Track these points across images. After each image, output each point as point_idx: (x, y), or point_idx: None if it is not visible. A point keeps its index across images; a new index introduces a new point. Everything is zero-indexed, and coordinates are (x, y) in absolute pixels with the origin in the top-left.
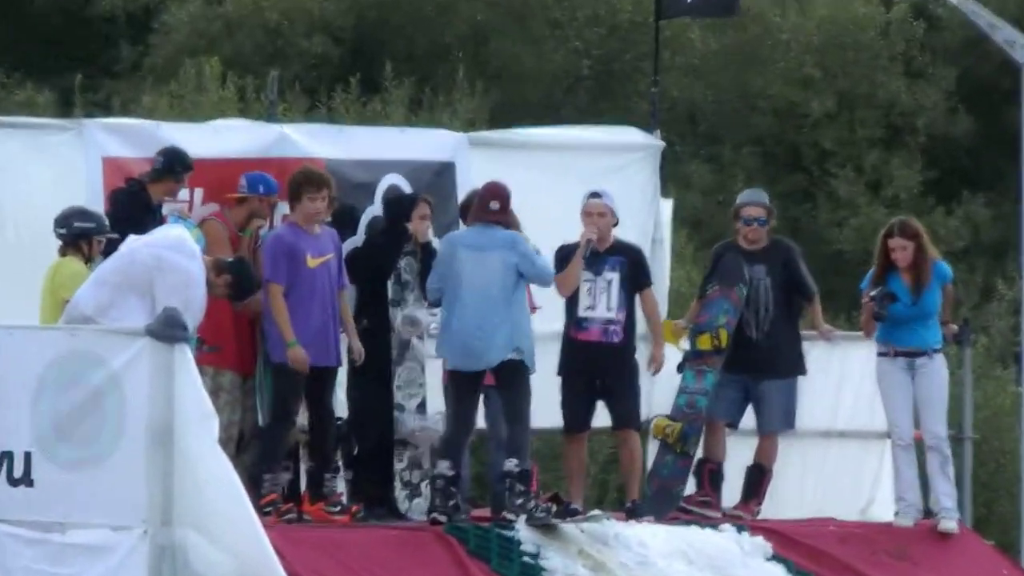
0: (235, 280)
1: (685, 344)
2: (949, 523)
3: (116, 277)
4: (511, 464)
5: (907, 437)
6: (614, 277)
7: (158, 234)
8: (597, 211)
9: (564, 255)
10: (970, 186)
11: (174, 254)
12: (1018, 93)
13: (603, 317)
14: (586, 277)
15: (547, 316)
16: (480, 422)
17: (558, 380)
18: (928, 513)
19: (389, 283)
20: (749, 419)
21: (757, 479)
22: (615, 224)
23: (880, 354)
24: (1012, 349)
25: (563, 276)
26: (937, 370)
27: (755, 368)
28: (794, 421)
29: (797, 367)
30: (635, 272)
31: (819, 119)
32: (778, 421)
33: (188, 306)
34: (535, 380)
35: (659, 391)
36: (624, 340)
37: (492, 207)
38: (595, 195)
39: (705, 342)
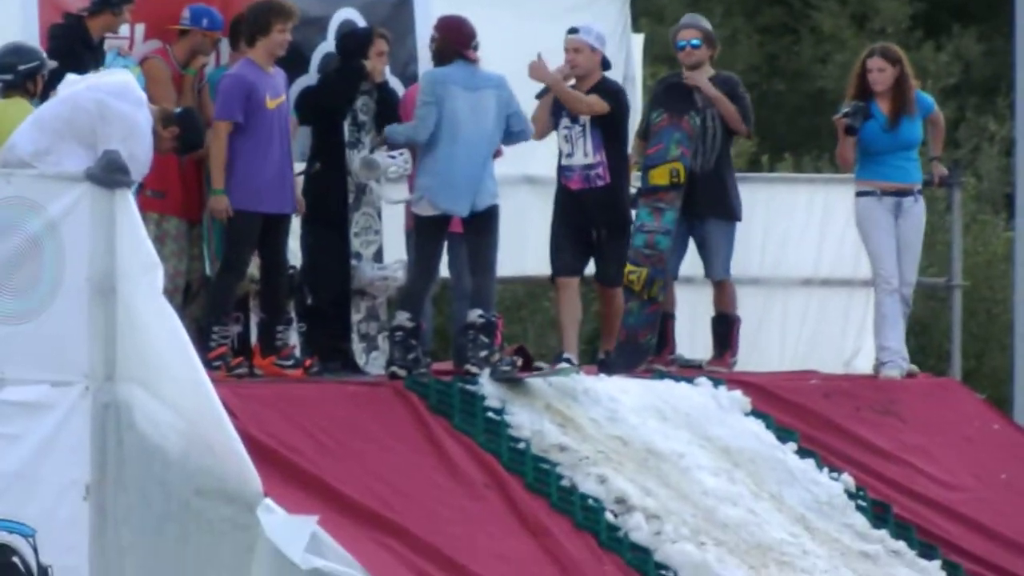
0: (182, 132)
1: (636, 181)
2: (893, 371)
3: (57, 123)
4: (475, 315)
5: (895, 281)
6: (587, 119)
7: (102, 78)
8: (572, 47)
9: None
10: (961, 19)
11: (119, 101)
12: None
13: (581, 163)
14: (565, 124)
15: (507, 159)
16: (443, 272)
17: (520, 227)
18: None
19: (345, 124)
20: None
21: (725, 329)
22: (605, 66)
23: (861, 193)
24: (1004, 191)
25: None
26: (921, 212)
27: (700, 208)
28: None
29: (739, 210)
30: (612, 111)
31: None
32: (724, 267)
33: (133, 157)
34: (531, 223)
35: None
36: (609, 182)
37: (474, 46)
38: (571, 31)
39: (660, 176)
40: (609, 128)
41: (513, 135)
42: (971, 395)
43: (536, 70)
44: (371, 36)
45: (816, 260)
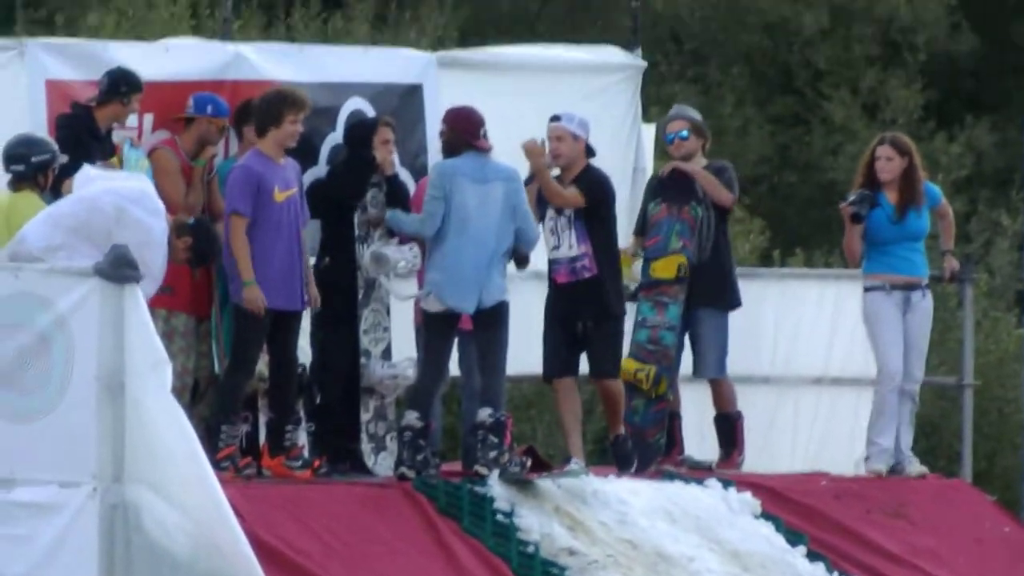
0: (195, 243)
1: (637, 274)
2: (918, 466)
3: (72, 221)
4: (485, 414)
5: (899, 378)
6: (571, 211)
7: (123, 182)
8: (554, 135)
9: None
10: (973, 109)
11: (137, 209)
12: None
13: (567, 256)
14: (550, 215)
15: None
16: (453, 370)
17: (529, 324)
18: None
19: (355, 217)
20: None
21: (728, 428)
22: (590, 154)
23: (869, 288)
24: (1016, 287)
25: None
26: (929, 307)
27: (692, 298)
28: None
29: (735, 299)
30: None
31: (812, 36)
32: (718, 365)
33: (146, 267)
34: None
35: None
36: (596, 273)
37: (482, 135)
38: (554, 118)
39: (664, 269)
40: (593, 218)
41: (516, 232)
42: (982, 497)
43: (531, 152)
44: (376, 125)
45: (827, 358)
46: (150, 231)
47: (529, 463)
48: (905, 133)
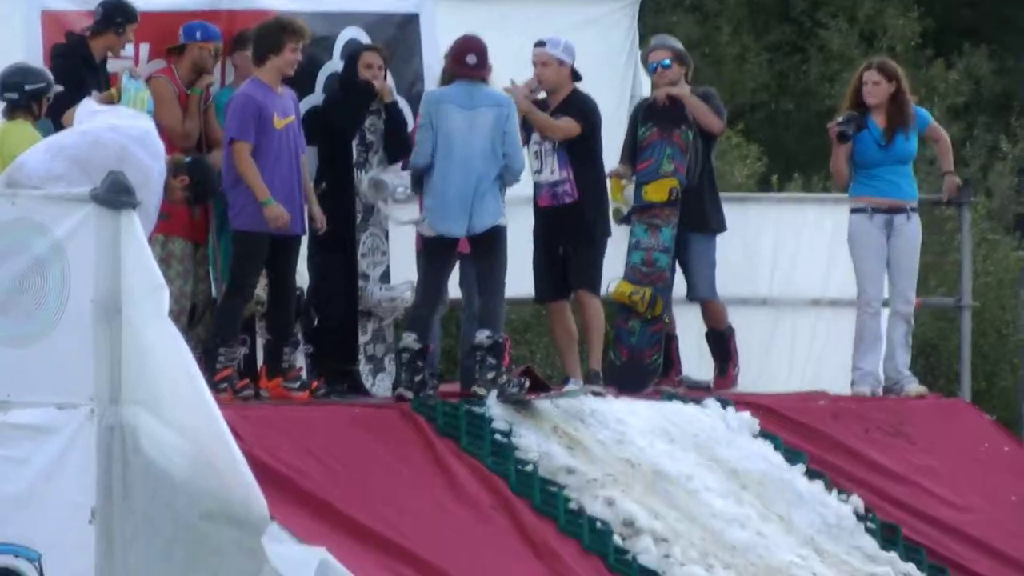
0: (192, 182)
1: (629, 198)
2: (917, 386)
3: (74, 152)
4: (483, 336)
5: (877, 304)
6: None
7: (126, 120)
8: (539, 61)
9: None
10: (971, 37)
11: (140, 149)
12: None
13: (548, 180)
14: (535, 139)
15: None
16: (454, 292)
17: (525, 248)
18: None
19: (353, 144)
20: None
21: (722, 344)
22: (575, 78)
23: (854, 210)
24: (1015, 211)
25: None
26: (915, 231)
27: (682, 224)
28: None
29: (721, 224)
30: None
31: None
32: (708, 286)
33: (143, 208)
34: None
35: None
36: (577, 199)
37: (468, 61)
38: (539, 43)
39: (656, 192)
40: (576, 144)
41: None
42: (981, 416)
43: (513, 94)
44: (359, 51)
45: (825, 280)
46: (149, 172)
47: (527, 384)
48: (903, 61)
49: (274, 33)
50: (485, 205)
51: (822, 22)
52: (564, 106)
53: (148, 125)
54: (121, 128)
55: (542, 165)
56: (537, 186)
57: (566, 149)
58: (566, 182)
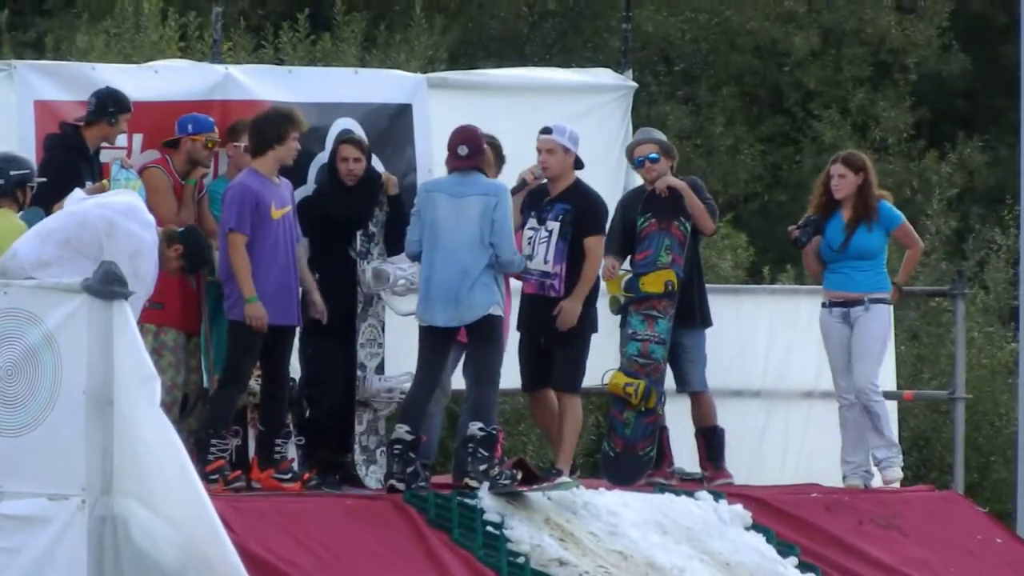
0: (187, 251)
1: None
2: (892, 472)
3: (62, 235)
4: (475, 428)
5: (850, 396)
6: (555, 227)
7: (112, 197)
8: (545, 148)
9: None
10: (964, 129)
11: (127, 221)
12: (1016, 28)
13: (539, 269)
14: (531, 224)
15: None
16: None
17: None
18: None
19: (358, 235)
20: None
21: (717, 442)
22: (577, 166)
23: (822, 305)
24: (1010, 303)
25: None
26: (871, 320)
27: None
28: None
29: (709, 317)
30: (580, 220)
31: (803, 57)
32: (700, 379)
33: (138, 277)
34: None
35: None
36: (561, 295)
37: (460, 152)
38: (544, 130)
39: (653, 284)
40: (576, 242)
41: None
42: (974, 508)
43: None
44: (339, 143)
45: (818, 373)
46: (141, 242)
47: (519, 475)
48: (896, 152)
49: (277, 123)
50: (474, 295)
51: (815, 113)
52: (568, 195)
53: (134, 199)
54: (107, 204)
55: (534, 252)
56: (526, 271)
57: (566, 245)
58: (555, 277)
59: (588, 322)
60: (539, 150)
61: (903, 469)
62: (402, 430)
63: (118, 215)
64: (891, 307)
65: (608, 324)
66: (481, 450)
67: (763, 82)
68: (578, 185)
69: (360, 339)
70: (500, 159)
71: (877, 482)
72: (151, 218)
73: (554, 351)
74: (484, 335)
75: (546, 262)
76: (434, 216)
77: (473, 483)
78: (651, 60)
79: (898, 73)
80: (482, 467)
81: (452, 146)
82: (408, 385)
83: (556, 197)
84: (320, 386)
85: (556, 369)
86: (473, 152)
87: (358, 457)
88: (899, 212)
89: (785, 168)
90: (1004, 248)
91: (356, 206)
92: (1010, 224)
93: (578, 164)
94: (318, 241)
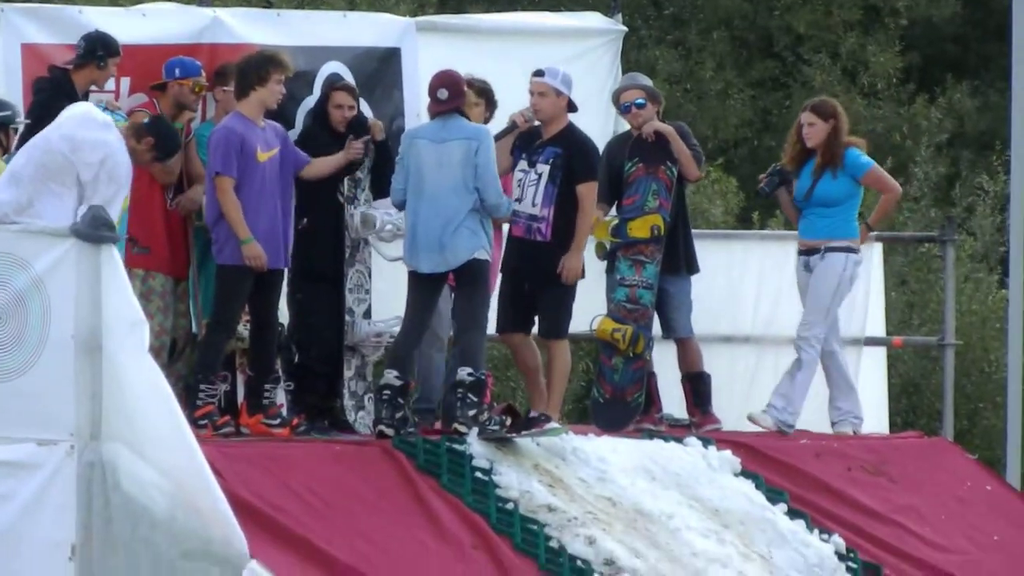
0: (157, 140)
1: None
2: (767, 419)
3: (31, 170)
4: (464, 373)
5: (822, 344)
6: (544, 170)
7: (63, 116)
8: (537, 90)
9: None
10: (954, 73)
11: (86, 130)
12: None
13: (527, 212)
14: (521, 167)
15: None
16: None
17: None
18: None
19: (346, 180)
20: None
21: (704, 388)
22: (570, 110)
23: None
24: (997, 250)
25: None
26: (824, 268)
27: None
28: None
29: (695, 264)
30: (571, 165)
31: (792, 1)
32: (686, 325)
33: (113, 177)
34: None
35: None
36: (552, 240)
37: (440, 96)
38: (537, 73)
39: (640, 229)
40: (566, 187)
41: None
42: (963, 455)
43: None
44: (329, 90)
45: None
46: (106, 144)
47: (508, 421)
48: (885, 97)
49: (260, 65)
50: (458, 240)
51: (805, 58)
52: (559, 139)
53: (86, 107)
54: (62, 123)
55: (523, 194)
56: (515, 213)
57: (555, 189)
58: (543, 221)
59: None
60: (531, 92)
61: (892, 415)
62: (391, 375)
63: (75, 128)
64: (855, 255)
65: (595, 270)
66: (470, 395)
67: (753, 26)
68: (571, 130)
69: (348, 284)
70: (492, 103)
71: (867, 429)
72: (108, 118)
73: (539, 296)
74: (469, 279)
75: (534, 205)
76: (418, 162)
77: (462, 428)
78: (640, 4)
79: (888, 17)
80: (471, 412)
81: (432, 90)
82: (397, 330)
83: (548, 140)
84: (309, 331)
85: (542, 315)
86: (453, 95)
87: (347, 402)
88: (868, 159)
89: (775, 113)
90: (992, 194)
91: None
92: (998, 170)
93: (571, 107)
94: (305, 186)
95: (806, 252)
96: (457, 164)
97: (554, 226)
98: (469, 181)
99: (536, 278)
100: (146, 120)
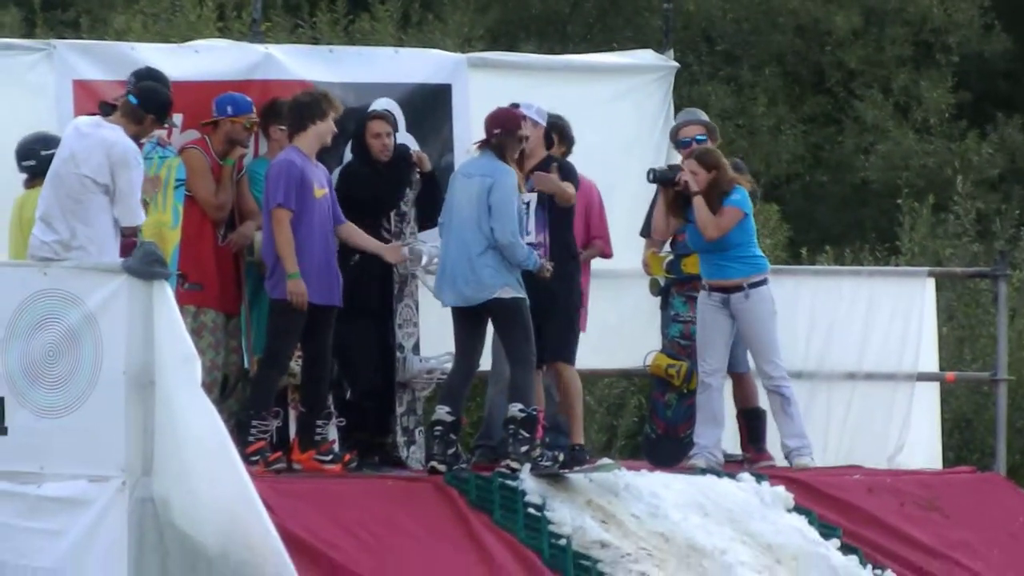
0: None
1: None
2: (802, 459)
3: (56, 208)
4: (515, 409)
5: (707, 379)
6: (532, 197)
7: (58, 147)
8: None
9: None
10: (1006, 109)
11: (79, 141)
12: None
13: (527, 241)
14: (521, 198)
15: None
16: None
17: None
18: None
19: (392, 214)
20: None
21: (759, 423)
22: (550, 141)
23: (700, 288)
24: None
25: None
26: (756, 305)
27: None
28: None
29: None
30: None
31: (844, 36)
32: (743, 359)
33: (125, 163)
34: None
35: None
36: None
37: (495, 132)
38: (512, 106)
39: (693, 265)
40: (557, 209)
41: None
42: (1016, 490)
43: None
44: (366, 119)
45: (860, 353)
46: (102, 140)
47: (561, 457)
48: (937, 133)
49: (317, 100)
50: (480, 277)
51: (857, 93)
52: (539, 168)
53: (73, 123)
54: (60, 148)
55: (524, 226)
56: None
57: (545, 213)
58: (540, 247)
59: (569, 294)
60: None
61: (945, 450)
62: (443, 411)
63: (71, 145)
64: (768, 283)
65: (649, 306)
66: (522, 431)
67: (805, 61)
68: (552, 157)
69: (397, 319)
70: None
71: (920, 464)
72: (95, 118)
73: (544, 321)
74: (499, 318)
75: (528, 233)
76: (450, 197)
77: (515, 464)
78: (693, 40)
79: (940, 53)
80: (523, 448)
81: (485, 127)
82: (448, 365)
83: (531, 170)
84: (357, 367)
85: (548, 342)
86: (489, 130)
87: (399, 439)
88: (739, 198)
89: (827, 148)
90: None
91: (383, 187)
92: None
93: (549, 141)
94: (357, 221)
95: (720, 290)
96: (474, 201)
97: (551, 249)
98: (483, 218)
99: (538, 304)
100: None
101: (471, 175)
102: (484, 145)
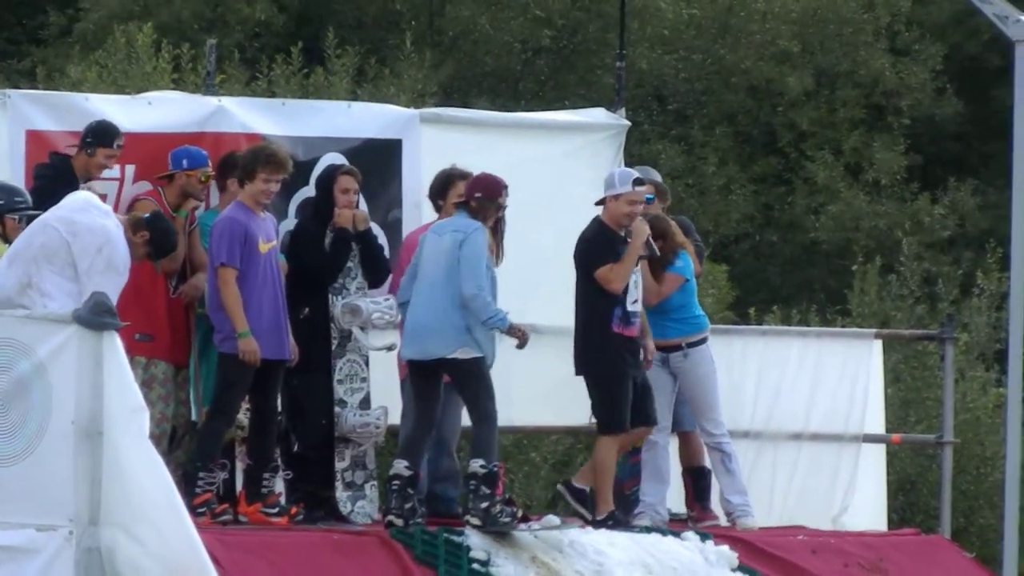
0: (153, 237)
1: None
2: (746, 520)
3: (28, 252)
4: (476, 465)
5: (657, 435)
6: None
7: (65, 201)
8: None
9: None
10: (957, 172)
11: (85, 215)
12: (1009, 72)
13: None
14: None
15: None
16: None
17: (508, 376)
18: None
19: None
20: None
21: (704, 482)
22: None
23: None
24: (995, 347)
25: None
26: (694, 364)
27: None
28: None
29: None
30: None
31: (796, 98)
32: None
33: (111, 265)
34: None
35: None
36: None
37: (475, 196)
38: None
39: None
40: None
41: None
42: (960, 553)
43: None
44: (333, 174)
45: (807, 414)
46: (105, 231)
47: (519, 513)
48: (888, 194)
49: (250, 161)
50: (443, 335)
51: (808, 154)
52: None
53: (87, 195)
54: (62, 206)
55: None
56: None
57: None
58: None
59: (598, 360)
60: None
61: (890, 512)
62: (401, 465)
63: (75, 212)
64: (707, 343)
65: None
66: (483, 487)
67: (756, 122)
68: None
69: (338, 375)
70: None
71: (865, 525)
72: (108, 207)
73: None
74: (457, 378)
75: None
76: (421, 254)
77: (475, 521)
78: (645, 98)
79: (892, 115)
80: (483, 504)
81: (468, 188)
82: (383, 420)
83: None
84: (304, 421)
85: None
86: (470, 194)
87: (341, 493)
88: (682, 265)
89: (777, 208)
90: (987, 292)
91: (328, 261)
92: (992, 267)
93: None
94: (301, 277)
95: (662, 350)
96: (445, 256)
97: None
98: (453, 273)
99: (578, 369)
100: (147, 215)
101: (443, 232)
102: (461, 206)
